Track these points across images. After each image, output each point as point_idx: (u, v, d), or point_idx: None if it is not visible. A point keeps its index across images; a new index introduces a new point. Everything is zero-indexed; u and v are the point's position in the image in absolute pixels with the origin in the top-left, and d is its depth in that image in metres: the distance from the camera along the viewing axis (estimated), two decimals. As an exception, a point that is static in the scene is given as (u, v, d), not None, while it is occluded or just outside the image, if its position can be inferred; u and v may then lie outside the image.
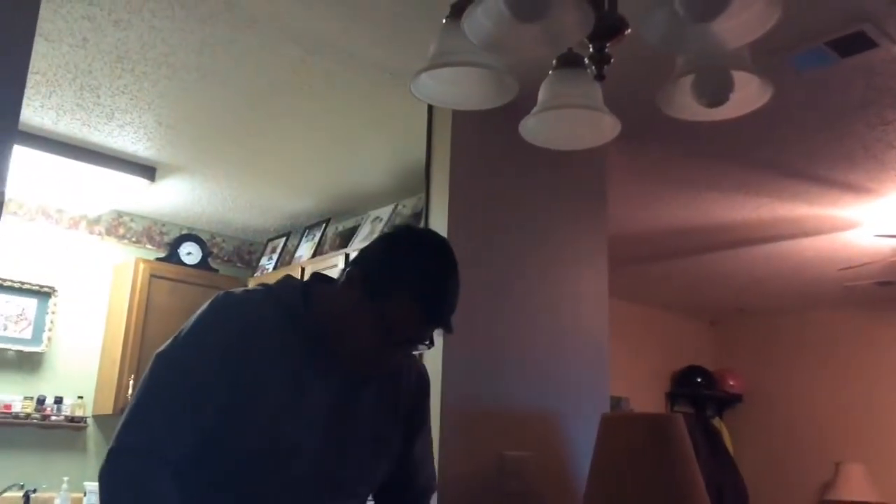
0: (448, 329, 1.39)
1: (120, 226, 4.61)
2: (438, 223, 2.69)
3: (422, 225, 2.96)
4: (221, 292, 1.45)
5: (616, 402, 5.32)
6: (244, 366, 1.35)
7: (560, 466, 2.80)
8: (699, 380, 6.39)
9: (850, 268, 4.59)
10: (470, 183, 2.75)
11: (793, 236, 4.51)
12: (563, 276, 3.00)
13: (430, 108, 2.84)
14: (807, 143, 3.26)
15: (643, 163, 3.57)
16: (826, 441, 5.96)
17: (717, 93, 1.31)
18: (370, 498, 1.61)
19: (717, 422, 6.41)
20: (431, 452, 1.70)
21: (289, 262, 4.62)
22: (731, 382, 6.49)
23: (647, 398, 6.10)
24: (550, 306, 2.92)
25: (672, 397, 6.41)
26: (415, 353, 1.54)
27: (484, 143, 2.82)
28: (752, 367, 6.54)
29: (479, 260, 2.72)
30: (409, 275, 1.37)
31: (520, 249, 2.87)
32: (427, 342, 1.42)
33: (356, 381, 1.46)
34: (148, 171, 3.88)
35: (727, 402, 6.58)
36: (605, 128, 1.44)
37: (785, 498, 5.99)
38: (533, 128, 1.48)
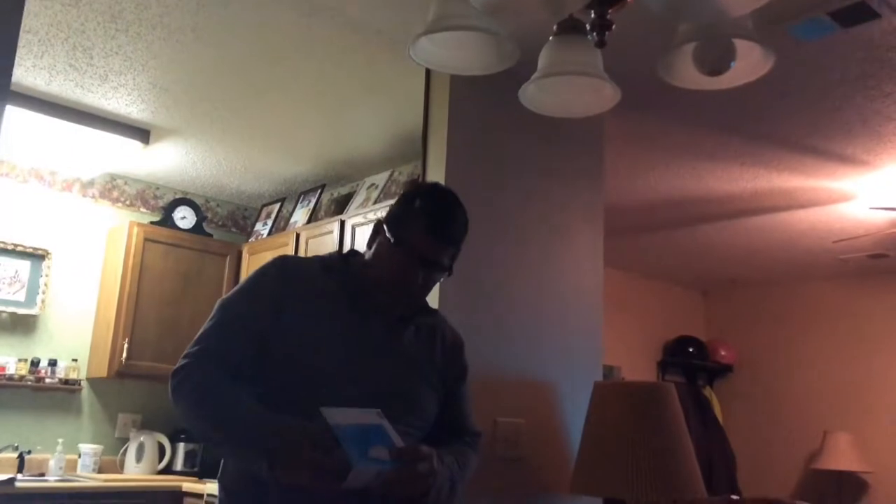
0: (455, 248, 1.60)
1: (114, 189, 4.58)
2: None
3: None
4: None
5: (608, 371, 5.36)
6: (287, 304, 1.55)
7: (552, 433, 2.83)
8: (691, 349, 6.43)
9: (845, 240, 4.61)
10: (467, 149, 2.74)
11: (788, 208, 4.52)
12: (559, 244, 3.00)
13: (429, 73, 2.81)
14: (805, 114, 3.25)
15: (641, 132, 3.56)
16: (814, 411, 6.03)
17: (718, 61, 1.31)
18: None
19: (707, 391, 6.47)
20: (473, 413, 1.80)
21: (283, 228, 4.61)
22: (723, 352, 6.54)
23: (639, 367, 6.15)
24: (546, 275, 2.93)
25: (663, 366, 6.46)
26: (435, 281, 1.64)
27: (482, 110, 2.80)
28: (744, 337, 6.59)
29: (475, 227, 2.70)
30: (421, 214, 1.58)
31: (516, 217, 2.86)
32: (447, 271, 1.61)
33: (396, 324, 1.63)
34: (142, 133, 3.84)
35: (718, 372, 6.64)
36: (605, 95, 1.43)
37: (773, 466, 6.07)
38: (532, 94, 1.47)
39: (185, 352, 1.55)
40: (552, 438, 2.82)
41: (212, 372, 1.50)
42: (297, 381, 1.51)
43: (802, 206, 4.45)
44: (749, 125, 3.41)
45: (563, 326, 2.95)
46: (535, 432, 2.74)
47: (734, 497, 1.58)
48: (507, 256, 2.81)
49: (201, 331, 1.58)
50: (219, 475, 1.63)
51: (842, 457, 5.62)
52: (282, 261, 1.67)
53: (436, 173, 2.70)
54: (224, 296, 1.65)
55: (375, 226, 1.65)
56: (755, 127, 3.43)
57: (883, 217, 4.42)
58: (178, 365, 1.53)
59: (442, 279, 1.67)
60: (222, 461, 1.64)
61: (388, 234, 1.59)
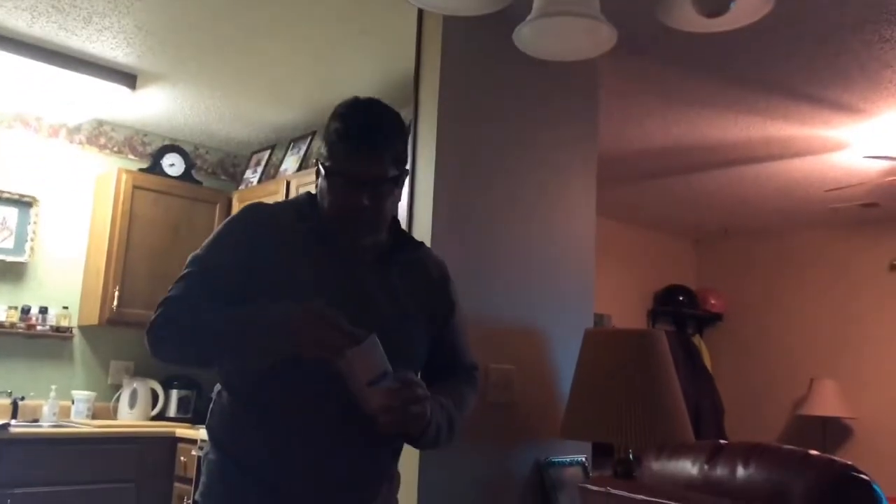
0: (378, 156, 1.50)
1: (101, 135, 4.52)
2: (426, 135, 2.65)
3: (409, 138, 2.92)
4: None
5: (598, 319, 5.37)
6: (260, 253, 1.51)
7: (543, 380, 2.85)
8: (681, 298, 6.47)
9: (837, 189, 4.60)
10: (459, 94, 2.70)
11: (781, 157, 4.49)
12: (552, 191, 2.98)
13: (420, 16, 2.75)
14: (802, 60, 3.21)
15: (635, 78, 3.51)
16: (801, 358, 6.10)
17: (717, 2, 1.27)
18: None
19: (696, 340, 6.53)
20: (469, 344, 1.76)
21: (273, 176, 4.57)
22: (713, 301, 6.58)
23: (629, 316, 6.19)
24: (538, 221, 2.91)
25: (654, 315, 6.51)
26: (383, 194, 1.54)
27: (474, 54, 2.75)
28: (734, 286, 6.63)
29: (468, 173, 2.70)
30: (337, 135, 1.51)
31: (508, 163, 2.84)
32: (393, 182, 1.53)
33: (379, 265, 1.58)
34: (128, 78, 3.77)
35: (707, 321, 6.69)
36: (601, 38, 1.40)
37: (760, 413, 6.17)
38: (527, 36, 1.44)
39: (159, 303, 1.51)
40: (543, 385, 2.84)
41: (190, 308, 1.48)
42: None
43: (796, 154, 4.43)
44: (745, 72, 3.37)
45: (555, 274, 2.94)
46: (526, 379, 2.76)
47: (721, 441, 1.61)
48: (500, 202, 2.79)
49: (174, 283, 1.54)
50: (207, 425, 1.61)
51: (827, 403, 5.71)
52: (251, 209, 1.62)
53: (427, 118, 2.66)
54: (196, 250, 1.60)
55: (314, 163, 1.60)
56: (751, 73, 3.38)
57: (876, 166, 4.41)
58: (153, 317, 1.49)
59: (396, 191, 1.57)
60: (211, 414, 1.60)
61: (320, 168, 1.54)
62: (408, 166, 1.63)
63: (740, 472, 1.79)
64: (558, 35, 1.44)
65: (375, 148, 1.50)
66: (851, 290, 6.00)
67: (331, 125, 1.54)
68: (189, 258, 1.56)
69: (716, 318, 6.66)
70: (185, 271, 1.54)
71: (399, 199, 1.62)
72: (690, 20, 1.30)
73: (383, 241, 1.62)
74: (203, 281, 1.52)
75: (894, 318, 5.77)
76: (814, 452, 1.79)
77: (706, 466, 1.95)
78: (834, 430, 5.84)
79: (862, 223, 5.86)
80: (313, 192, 1.64)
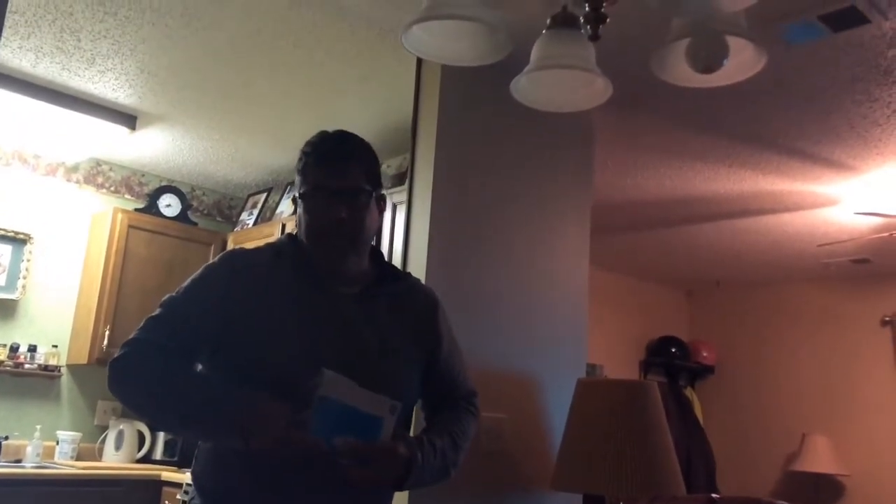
0: (343, 167, 1.52)
1: (98, 174, 4.54)
2: (423, 182, 2.67)
3: (406, 184, 2.94)
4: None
5: (591, 368, 5.36)
6: (238, 300, 1.48)
7: (534, 429, 2.83)
8: (673, 350, 6.44)
9: (829, 244, 4.63)
10: (456, 142, 2.73)
11: (773, 211, 4.54)
12: (547, 240, 3.00)
13: (419, 64, 2.80)
14: (793, 117, 3.26)
15: (629, 131, 3.56)
16: (794, 413, 6.07)
17: (711, 57, 1.30)
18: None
19: (688, 392, 6.50)
20: (465, 370, 1.75)
21: (269, 218, 4.58)
22: (705, 353, 6.57)
23: (621, 366, 6.16)
24: (532, 269, 2.92)
25: (646, 366, 6.47)
26: (357, 203, 1.54)
27: (472, 104, 2.79)
28: (726, 338, 6.62)
29: (463, 220, 2.71)
30: (306, 157, 1.55)
31: (504, 211, 2.86)
32: (366, 193, 1.54)
33: (364, 299, 1.55)
34: (128, 119, 3.81)
35: (699, 373, 6.66)
36: (597, 90, 1.42)
37: (752, 467, 6.11)
38: (524, 87, 1.46)
39: (125, 342, 1.49)
40: (534, 434, 2.82)
41: (155, 356, 1.46)
42: (261, 379, 1.42)
43: (788, 209, 4.47)
44: (737, 126, 3.42)
45: (548, 322, 2.94)
46: (517, 427, 2.74)
47: (714, 495, 1.59)
48: (494, 250, 2.80)
49: (143, 322, 1.52)
50: (192, 471, 1.59)
51: (820, 459, 5.66)
52: (230, 255, 1.61)
53: (424, 165, 2.69)
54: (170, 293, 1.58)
55: (293, 200, 1.64)
56: (743, 128, 3.44)
57: (866, 222, 4.45)
58: (115, 355, 1.47)
59: (374, 209, 1.57)
60: (196, 460, 1.58)
61: (297, 198, 1.56)
62: (390, 197, 1.68)
63: (733, 526, 1.77)
64: (555, 87, 1.47)
65: (347, 159, 1.54)
66: (844, 344, 6.00)
67: (301, 156, 1.57)
68: (164, 299, 1.55)
69: (708, 370, 6.64)
70: (157, 312, 1.53)
71: (379, 224, 1.62)
72: (684, 75, 1.33)
73: (367, 271, 1.60)
74: (173, 326, 1.49)
75: (886, 374, 5.76)
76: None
77: (698, 520, 1.93)
78: (827, 488, 5.78)
79: (854, 279, 5.89)
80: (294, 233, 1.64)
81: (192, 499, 1.55)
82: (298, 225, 1.58)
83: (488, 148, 2.84)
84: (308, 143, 1.58)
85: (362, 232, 1.54)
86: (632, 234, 5.33)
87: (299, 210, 1.56)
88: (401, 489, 1.50)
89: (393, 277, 1.65)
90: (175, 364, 1.46)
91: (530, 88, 1.46)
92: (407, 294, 1.66)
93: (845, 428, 5.79)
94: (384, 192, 1.63)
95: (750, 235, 5.08)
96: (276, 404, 1.35)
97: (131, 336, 1.50)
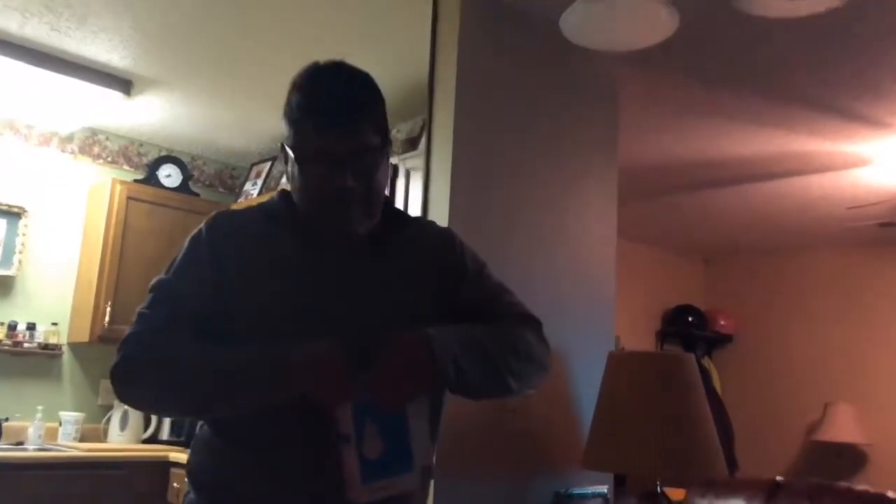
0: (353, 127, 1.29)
1: (94, 144, 4.34)
2: (442, 146, 2.48)
3: (422, 149, 2.76)
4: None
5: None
6: (229, 269, 1.33)
7: (563, 405, 2.68)
8: (690, 319, 6.29)
9: (860, 206, 4.44)
10: (477, 104, 2.53)
11: (800, 173, 4.34)
12: (571, 207, 2.83)
13: (435, 18, 2.60)
14: (834, 71, 3.07)
15: (652, 91, 3.36)
16: (815, 382, 5.92)
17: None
18: None
19: (706, 361, 6.34)
20: (513, 296, 1.49)
21: (274, 188, 4.40)
22: (722, 322, 6.41)
23: (637, 337, 6.00)
24: (557, 238, 2.76)
25: (662, 336, 6.33)
26: (366, 169, 1.33)
27: (491, 63, 2.59)
28: (744, 307, 6.45)
29: (485, 188, 2.53)
30: (300, 112, 1.32)
31: (527, 178, 2.68)
32: (376, 149, 1.32)
33: (372, 253, 1.37)
34: (124, 83, 3.60)
35: (717, 342, 6.51)
36: (660, 23, 1.23)
37: (773, 438, 5.97)
38: (575, 24, 1.27)
39: (124, 339, 1.31)
40: (564, 411, 2.67)
41: (162, 342, 1.29)
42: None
43: (816, 170, 4.28)
44: (773, 82, 3.22)
45: (575, 294, 2.78)
46: (545, 405, 2.58)
47: (779, 479, 1.44)
48: (519, 220, 2.63)
49: (138, 315, 1.34)
50: (187, 465, 1.41)
51: (842, 428, 5.52)
52: (215, 221, 1.40)
53: (443, 129, 2.49)
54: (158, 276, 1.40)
55: (280, 146, 1.37)
56: (778, 84, 3.24)
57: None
58: (115, 361, 1.30)
59: (383, 162, 1.36)
60: (191, 453, 1.41)
61: (289, 153, 1.33)
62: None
63: (806, 515, 1.61)
64: (611, 22, 1.27)
65: (353, 119, 1.30)
66: (865, 311, 5.83)
67: (292, 99, 1.33)
68: (153, 283, 1.37)
69: (726, 339, 6.48)
70: (150, 298, 1.35)
71: (389, 173, 1.40)
72: (770, 4, 1.14)
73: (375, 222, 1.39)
74: (169, 308, 1.33)
75: (911, 340, 5.60)
76: (891, 495, 1.62)
77: (764, 508, 1.77)
78: (850, 457, 5.65)
79: (878, 243, 5.69)
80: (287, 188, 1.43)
81: (188, 494, 1.38)
82: (290, 182, 1.37)
83: (509, 109, 2.65)
84: (301, 89, 1.33)
85: (374, 194, 1.34)
86: (648, 201, 5.14)
87: (292, 169, 1.34)
88: (443, 378, 1.25)
89: (402, 224, 1.44)
90: (187, 341, 1.29)
91: (582, 25, 1.27)
92: (419, 239, 1.46)
93: (869, 396, 5.64)
94: (391, 137, 1.41)
95: (773, 200, 4.89)
96: (336, 350, 1.21)
97: (127, 333, 1.32)
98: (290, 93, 1.35)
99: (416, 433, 1.24)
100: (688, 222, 5.69)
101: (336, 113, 1.29)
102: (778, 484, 1.48)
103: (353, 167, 1.28)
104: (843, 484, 1.34)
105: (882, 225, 4.99)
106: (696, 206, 5.22)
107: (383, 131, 1.36)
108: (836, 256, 6.01)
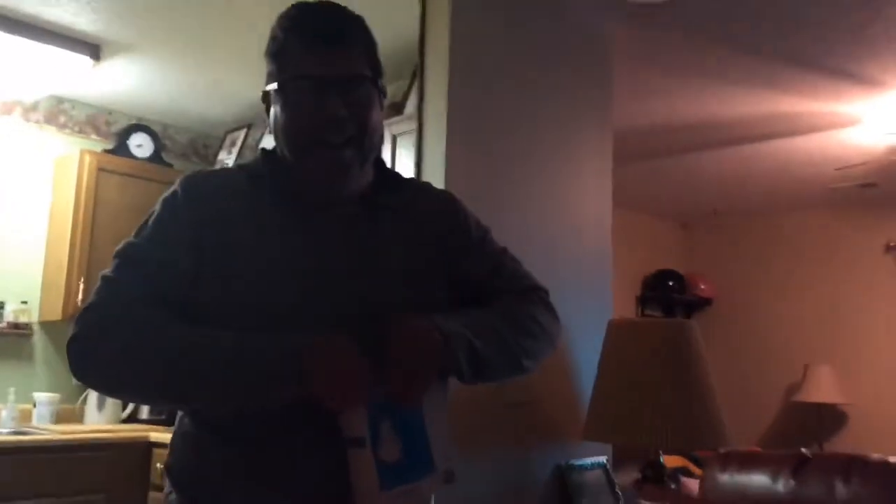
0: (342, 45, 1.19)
1: (60, 113, 4.14)
2: (436, 109, 2.37)
3: (412, 113, 2.65)
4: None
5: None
6: (206, 232, 1.19)
7: (563, 376, 2.62)
8: (670, 283, 6.29)
9: (847, 167, 4.42)
10: (470, 64, 2.42)
11: (784, 134, 4.30)
12: (567, 172, 2.76)
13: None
14: (828, 28, 3.00)
15: (640, 52, 3.27)
16: (795, 343, 5.96)
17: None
18: None
19: (686, 325, 6.35)
20: (517, 264, 1.44)
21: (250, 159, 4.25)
22: (702, 286, 6.42)
23: (618, 302, 5.91)
24: (553, 204, 2.68)
25: (642, 301, 6.32)
26: (358, 96, 1.21)
27: (485, 22, 2.49)
28: (724, 270, 6.47)
29: (482, 149, 2.44)
30: (286, 35, 1.20)
31: (523, 141, 2.59)
32: (368, 80, 1.21)
33: (365, 218, 1.25)
34: (91, 48, 3.42)
35: (697, 306, 6.53)
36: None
37: (753, 400, 6.01)
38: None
39: (84, 307, 1.16)
40: (563, 382, 2.61)
41: (130, 313, 1.13)
42: (249, 327, 1.13)
43: (802, 131, 4.24)
44: (766, 41, 3.15)
45: (573, 261, 2.71)
46: (545, 375, 2.51)
47: (804, 451, 1.40)
48: (515, 185, 2.54)
49: (100, 281, 1.18)
50: (166, 463, 1.29)
51: (822, 389, 5.57)
52: (190, 181, 1.26)
53: (436, 91, 2.38)
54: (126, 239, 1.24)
55: (262, 96, 1.25)
56: (770, 43, 3.17)
57: (883, 144, 4.24)
58: (71, 334, 1.14)
59: (378, 103, 1.24)
60: (170, 450, 1.29)
61: (274, 88, 1.20)
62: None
63: (840, 489, 1.56)
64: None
65: (342, 37, 1.19)
66: (846, 272, 5.86)
67: (276, 29, 1.22)
68: (120, 247, 1.21)
69: (705, 303, 6.50)
70: (115, 263, 1.20)
71: (382, 123, 1.27)
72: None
73: (368, 185, 1.29)
74: (144, 277, 1.17)
75: (890, 300, 5.65)
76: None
77: (792, 482, 1.72)
78: (830, 417, 5.72)
79: (858, 204, 5.71)
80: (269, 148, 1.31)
81: (169, 493, 1.26)
82: (274, 130, 1.24)
83: (507, 69, 2.55)
84: (284, 17, 1.22)
85: (368, 134, 1.22)
86: (630, 165, 5.06)
87: (275, 109, 1.21)
88: (457, 366, 1.17)
89: (396, 185, 1.33)
90: (160, 314, 1.14)
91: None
92: (417, 202, 1.35)
93: (848, 357, 5.69)
94: (385, 85, 1.28)
95: (755, 162, 4.85)
96: (349, 343, 1.08)
97: (88, 302, 1.16)
98: (274, 28, 1.24)
99: (434, 428, 1.15)
100: (670, 186, 5.64)
101: (326, 27, 1.19)
102: (805, 458, 1.43)
103: (344, 96, 1.17)
104: (878, 456, 1.29)
105: (862, 186, 5.00)
106: (675, 170, 5.17)
107: (377, 70, 1.25)
108: (815, 218, 6.02)
